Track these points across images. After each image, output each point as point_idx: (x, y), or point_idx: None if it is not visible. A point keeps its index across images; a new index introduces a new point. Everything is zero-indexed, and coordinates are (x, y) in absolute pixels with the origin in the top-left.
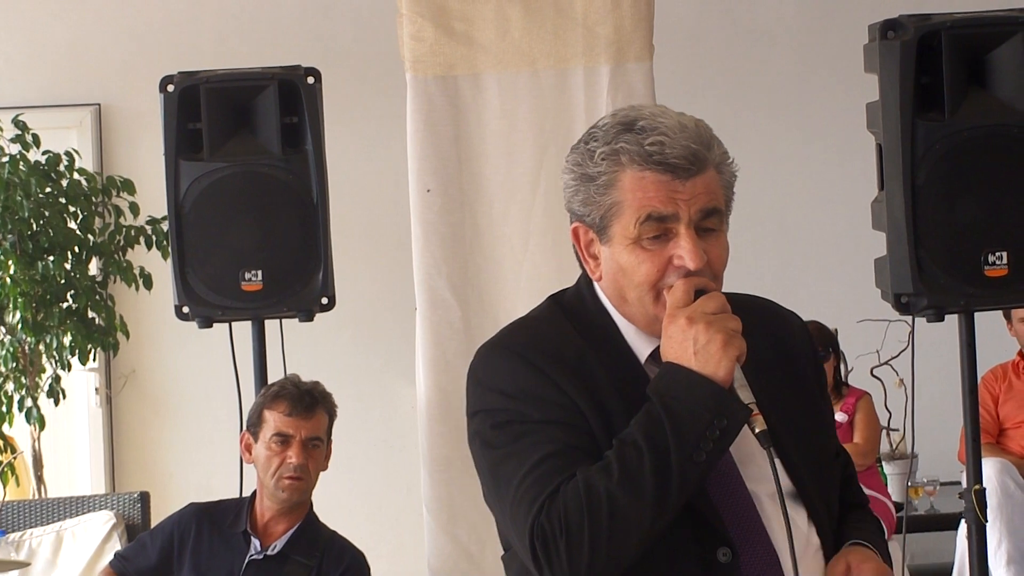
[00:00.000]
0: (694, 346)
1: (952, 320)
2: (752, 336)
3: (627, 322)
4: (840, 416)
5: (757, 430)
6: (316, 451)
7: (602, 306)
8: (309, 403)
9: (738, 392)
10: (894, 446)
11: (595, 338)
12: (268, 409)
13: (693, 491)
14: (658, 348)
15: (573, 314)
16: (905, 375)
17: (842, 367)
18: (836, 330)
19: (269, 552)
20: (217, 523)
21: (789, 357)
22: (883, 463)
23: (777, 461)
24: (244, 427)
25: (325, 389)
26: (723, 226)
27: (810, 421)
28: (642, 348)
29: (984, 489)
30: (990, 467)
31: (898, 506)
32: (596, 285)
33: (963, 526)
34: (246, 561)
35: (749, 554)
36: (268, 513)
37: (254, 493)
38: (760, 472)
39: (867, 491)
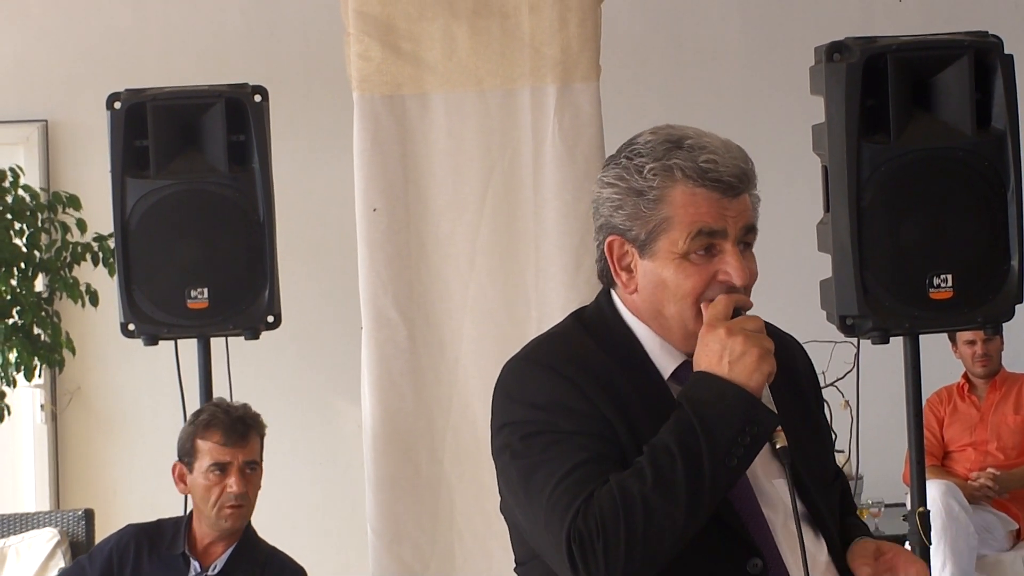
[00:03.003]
0: (730, 356)
1: (897, 342)
2: (783, 360)
3: (652, 337)
4: None
5: (778, 445)
6: (254, 475)
7: (624, 322)
8: (243, 429)
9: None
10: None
11: (618, 354)
12: (201, 439)
13: (722, 496)
14: (681, 366)
15: (595, 330)
16: (850, 397)
17: None
18: None
19: (210, 572)
20: (156, 545)
21: (794, 381)
22: None
23: (770, 484)
24: (177, 457)
25: (254, 410)
26: (752, 249)
27: (815, 444)
28: (666, 365)
29: (928, 511)
30: (935, 489)
31: None
32: (617, 301)
33: (907, 548)
34: None
35: (773, 569)
36: (207, 537)
37: (191, 514)
38: (771, 498)
39: None
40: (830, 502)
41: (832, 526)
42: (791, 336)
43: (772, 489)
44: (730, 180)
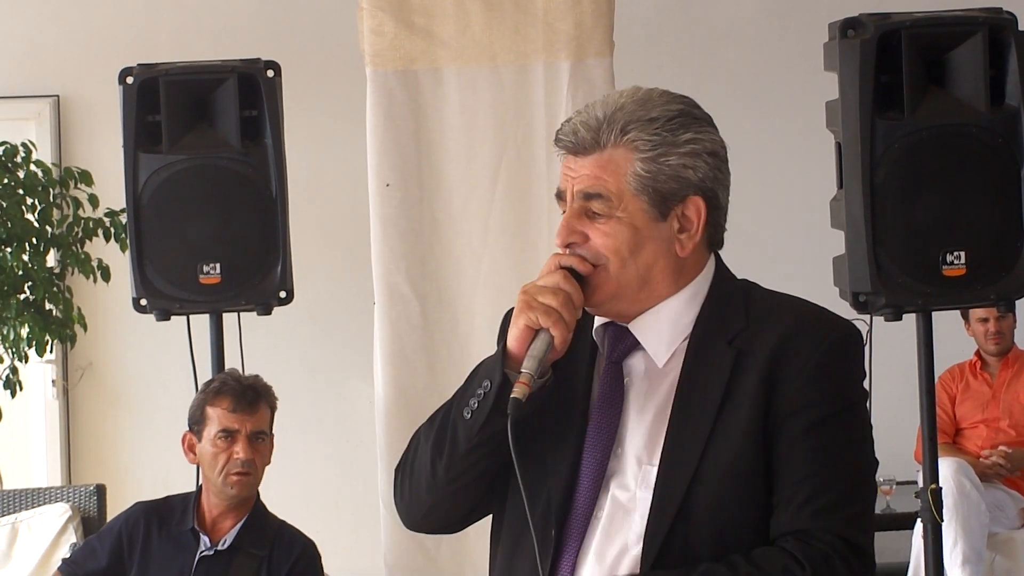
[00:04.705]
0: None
1: (910, 319)
2: (750, 341)
3: None
4: None
5: (512, 395)
6: (261, 445)
7: None
8: (252, 398)
9: (525, 361)
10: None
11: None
12: (210, 406)
13: (466, 449)
14: (604, 326)
15: None
16: None
17: None
18: None
19: (219, 547)
20: (165, 522)
21: (774, 373)
22: None
23: (640, 469)
24: (187, 427)
25: (265, 382)
26: (616, 212)
27: (745, 443)
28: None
29: (940, 489)
30: (946, 467)
31: None
32: None
33: (919, 525)
34: (197, 558)
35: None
36: (215, 510)
37: (199, 489)
38: (623, 480)
39: None
40: (724, 505)
41: (683, 529)
42: (824, 327)
43: (635, 474)
44: (563, 138)
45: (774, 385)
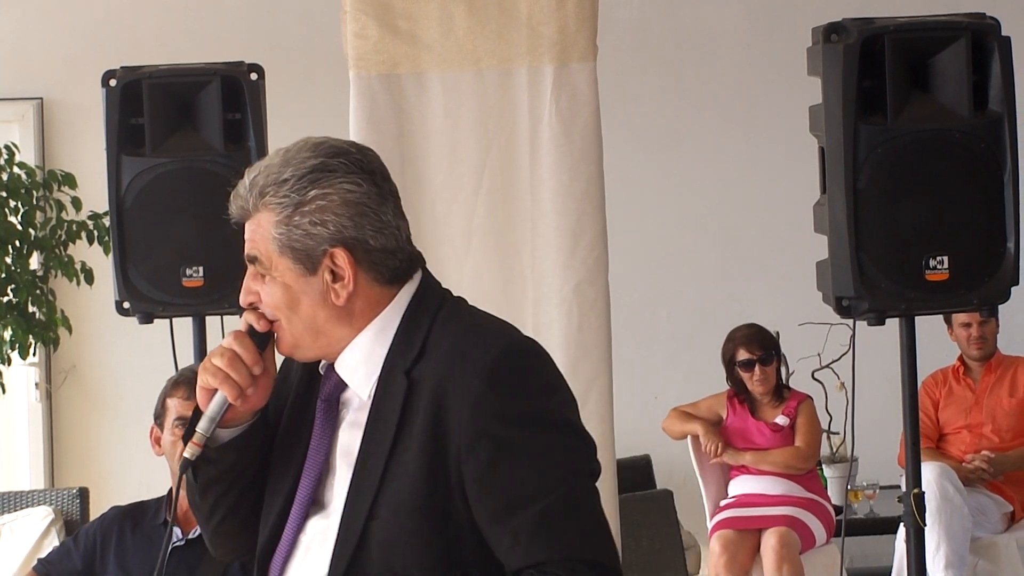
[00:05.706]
0: None
1: (893, 324)
2: (423, 370)
3: None
4: (781, 419)
5: (183, 455)
6: None
7: None
8: None
9: (201, 421)
10: (834, 449)
11: None
12: (169, 397)
13: (199, 494)
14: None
15: None
16: (846, 378)
17: (783, 370)
18: (778, 333)
19: (191, 536)
20: (139, 521)
21: (441, 405)
22: (823, 466)
23: (336, 513)
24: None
25: None
26: (272, 272)
27: (417, 478)
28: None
29: (923, 493)
30: (929, 471)
31: (837, 509)
32: None
33: (902, 530)
34: (169, 549)
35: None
36: (186, 502)
37: (171, 487)
38: (325, 506)
39: (808, 495)
40: (389, 540)
41: (360, 562)
42: (479, 354)
43: (336, 504)
44: (230, 207)
45: (443, 418)
